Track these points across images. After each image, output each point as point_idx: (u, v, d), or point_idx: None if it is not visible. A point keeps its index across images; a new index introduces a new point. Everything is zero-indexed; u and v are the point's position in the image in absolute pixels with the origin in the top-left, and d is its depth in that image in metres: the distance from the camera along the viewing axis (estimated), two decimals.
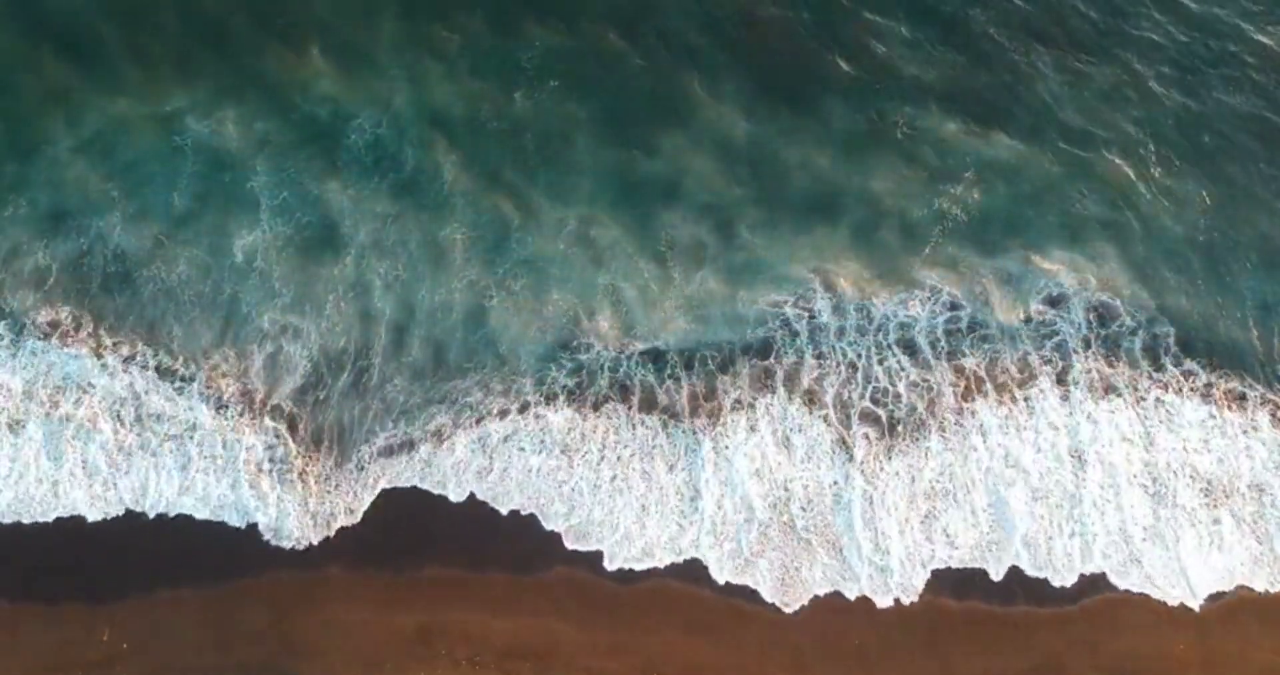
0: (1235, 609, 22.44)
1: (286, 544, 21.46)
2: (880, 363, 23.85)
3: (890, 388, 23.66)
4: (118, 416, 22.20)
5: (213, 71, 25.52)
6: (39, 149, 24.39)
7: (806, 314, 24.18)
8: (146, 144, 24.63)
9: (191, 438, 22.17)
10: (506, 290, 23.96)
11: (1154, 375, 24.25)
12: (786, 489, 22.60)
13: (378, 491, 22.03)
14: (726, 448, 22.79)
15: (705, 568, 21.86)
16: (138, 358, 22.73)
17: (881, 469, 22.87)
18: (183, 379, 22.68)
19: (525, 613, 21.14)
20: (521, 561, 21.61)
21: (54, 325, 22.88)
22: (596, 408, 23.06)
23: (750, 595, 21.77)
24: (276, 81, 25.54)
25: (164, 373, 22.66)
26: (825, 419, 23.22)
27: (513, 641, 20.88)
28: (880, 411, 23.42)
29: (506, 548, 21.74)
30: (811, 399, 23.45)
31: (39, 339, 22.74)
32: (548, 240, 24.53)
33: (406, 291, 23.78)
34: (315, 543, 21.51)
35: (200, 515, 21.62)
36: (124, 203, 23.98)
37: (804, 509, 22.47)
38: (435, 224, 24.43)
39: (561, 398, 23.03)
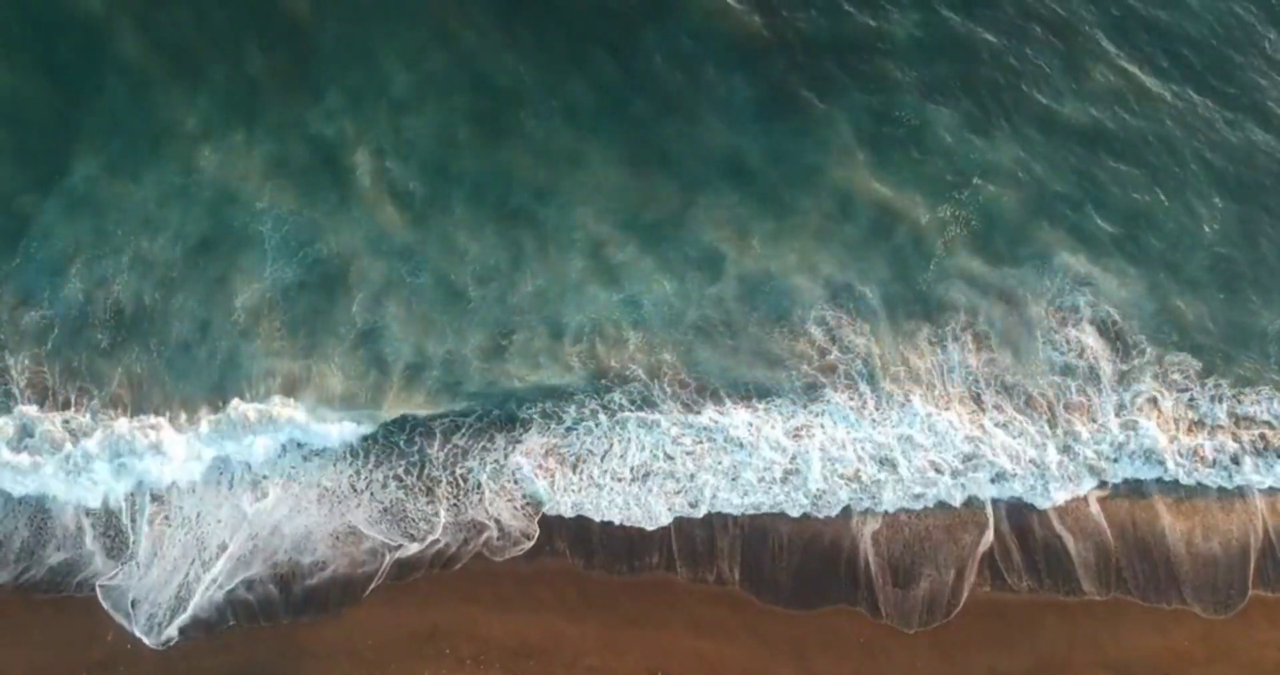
0: (1243, 607, 22.45)
1: None
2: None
3: None
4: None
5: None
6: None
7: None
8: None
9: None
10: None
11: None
12: None
13: None
14: None
15: (709, 565, 21.91)
16: None
17: None
18: None
19: (529, 610, 21.10)
20: (525, 558, 21.54)
21: None
22: None
23: (755, 592, 21.80)
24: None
25: None
26: None
27: (517, 640, 20.84)
28: None
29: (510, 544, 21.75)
30: None
31: None
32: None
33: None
34: None
35: None
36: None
37: None
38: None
39: None
